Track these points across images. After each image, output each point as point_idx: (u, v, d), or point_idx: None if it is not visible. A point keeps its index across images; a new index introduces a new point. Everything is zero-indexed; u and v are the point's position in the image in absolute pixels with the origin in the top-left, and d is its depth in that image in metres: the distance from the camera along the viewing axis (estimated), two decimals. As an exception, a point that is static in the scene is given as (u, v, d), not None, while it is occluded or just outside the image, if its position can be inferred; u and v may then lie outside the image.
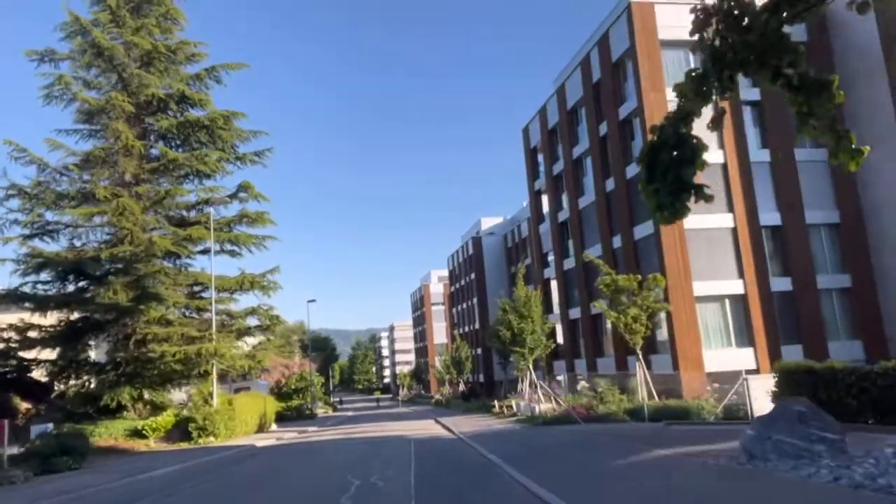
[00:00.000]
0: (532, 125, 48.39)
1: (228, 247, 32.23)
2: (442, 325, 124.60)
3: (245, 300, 31.58)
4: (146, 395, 27.58)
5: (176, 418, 25.99)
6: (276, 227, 32.77)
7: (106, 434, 25.25)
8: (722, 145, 32.57)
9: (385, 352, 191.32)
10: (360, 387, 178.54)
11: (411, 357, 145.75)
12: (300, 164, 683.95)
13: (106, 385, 25.81)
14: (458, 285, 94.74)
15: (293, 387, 76.34)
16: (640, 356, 21.43)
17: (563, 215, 43.29)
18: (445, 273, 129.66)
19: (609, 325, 37.56)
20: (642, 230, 32.90)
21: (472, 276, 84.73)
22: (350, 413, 72.19)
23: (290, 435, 29.82)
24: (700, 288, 30.83)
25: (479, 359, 78.65)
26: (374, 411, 70.81)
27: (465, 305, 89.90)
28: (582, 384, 20.20)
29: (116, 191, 27.78)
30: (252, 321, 32.13)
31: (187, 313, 31.03)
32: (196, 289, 32.03)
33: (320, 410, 75.00)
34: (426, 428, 27.17)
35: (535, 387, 28.63)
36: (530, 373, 29.18)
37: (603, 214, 37.04)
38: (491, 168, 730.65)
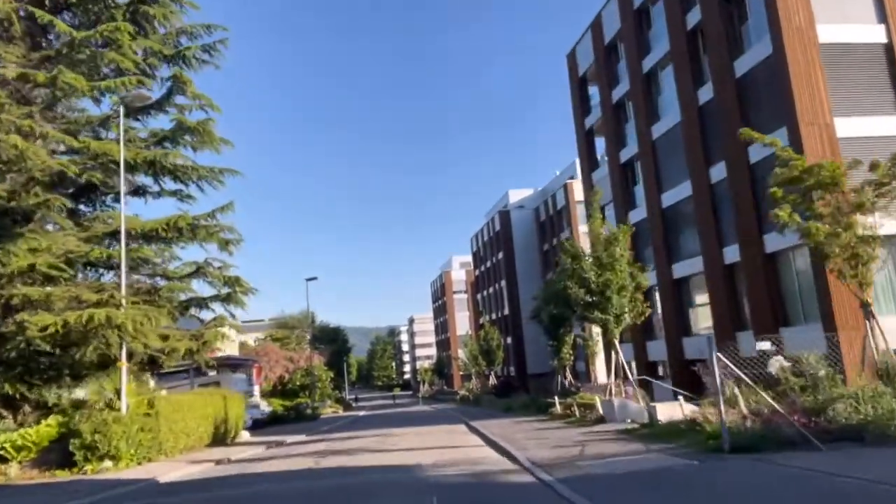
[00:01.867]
0: (580, 47, 37.96)
1: (170, 185, 22.48)
2: (465, 314, 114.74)
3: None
4: (31, 394, 18.01)
5: (60, 429, 16.33)
6: (232, 149, 22.82)
7: (-51, 455, 15.79)
8: (883, 17, 22.11)
9: (405, 347, 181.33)
10: (379, 384, 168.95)
11: (432, 351, 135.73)
12: (312, 162, 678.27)
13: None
14: (483, 268, 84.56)
15: (298, 383, 67.24)
16: (873, 310, 11.30)
17: (628, 153, 32.97)
18: (468, 258, 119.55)
19: (705, 295, 27.33)
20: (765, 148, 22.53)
21: (500, 255, 74.54)
22: (362, 412, 62.62)
23: (252, 452, 20.03)
24: (862, 226, 20.46)
25: (510, 349, 68.39)
26: (389, 410, 61.09)
27: (491, 290, 79.72)
28: (778, 362, 10.17)
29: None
30: (206, 290, 22.36)
31: (108, 276, 21.40)
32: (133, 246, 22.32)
33: (329, 410, 65.61)
34: (457, 443, 17.14)
35: (622, 373, 18.58)
36: (617, 353, 18.92)
37: (694, 138, 26.64)
38: (515, 144, 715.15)
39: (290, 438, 24.27)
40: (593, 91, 37.79)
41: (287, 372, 65.90)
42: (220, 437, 22.64)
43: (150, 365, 20.36)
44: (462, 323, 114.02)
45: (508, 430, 17.76)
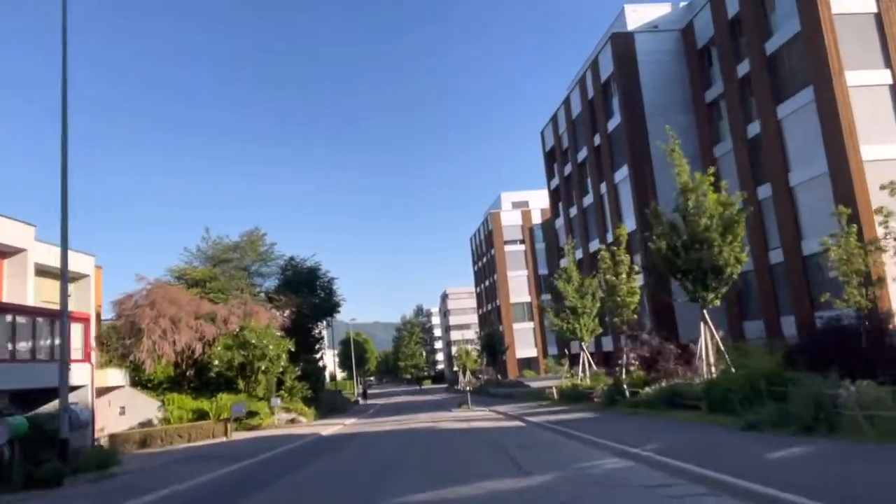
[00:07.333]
0: None
1: None
2: (521, 274, 79.81)
3: None
4: None
5: None
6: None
7: None
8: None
9: (437, 332, 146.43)
10: (407, 376, 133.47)
11: (472, 334, 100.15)
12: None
13: None
14: (571, 167, 48.81)
15: (218, 362, 32.70)
16: None
17: None
18: (523, 196, 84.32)
19: None
20: None
21: (613, 124, 39.27)
22: (329, 431, 27.99)
23: None
24: None
25: (643, 299, 33.04)
26: (407, 421, 26.20)
27: (589, 200, 44.28)
28: None
29: None
30: None
31: None
32: None
33: (276, 419, 31.13)
34: None
35: None
36: None
37: None
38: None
39: None
40: None
41: (202, 340, 31.49)
42: None
43: None
44: (518, 285, 79.06)
45: None
